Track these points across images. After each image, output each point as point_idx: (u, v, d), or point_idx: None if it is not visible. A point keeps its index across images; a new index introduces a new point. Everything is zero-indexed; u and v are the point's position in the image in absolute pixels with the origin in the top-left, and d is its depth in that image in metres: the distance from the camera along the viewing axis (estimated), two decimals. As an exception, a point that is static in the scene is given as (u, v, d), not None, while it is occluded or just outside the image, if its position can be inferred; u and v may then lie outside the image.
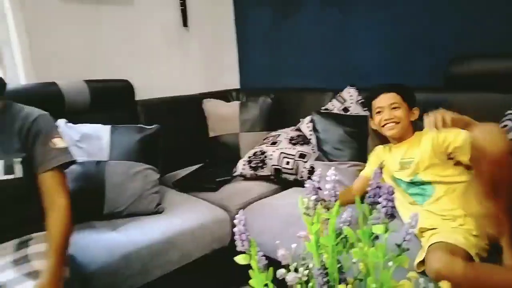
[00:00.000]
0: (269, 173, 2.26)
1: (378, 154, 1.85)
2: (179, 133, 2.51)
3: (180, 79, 2.82)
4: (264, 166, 2.27)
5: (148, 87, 2.56)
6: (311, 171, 2.16)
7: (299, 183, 2.20)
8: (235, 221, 0.84)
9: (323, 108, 2.33)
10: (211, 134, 2.61)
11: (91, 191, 1.78)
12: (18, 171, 1.27)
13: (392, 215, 0.81)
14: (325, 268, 0.85)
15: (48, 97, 2.04)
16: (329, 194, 0.87)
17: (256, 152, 2.32)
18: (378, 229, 0.80)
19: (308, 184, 0.89)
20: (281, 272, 0.88)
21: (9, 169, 1.26)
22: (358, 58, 2.48)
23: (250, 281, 0.85)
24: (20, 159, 1.27)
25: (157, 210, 1.89)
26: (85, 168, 1.81)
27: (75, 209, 1.49)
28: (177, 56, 2.80)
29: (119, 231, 1.72)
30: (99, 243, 1.60)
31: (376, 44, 2.37)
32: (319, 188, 0.89)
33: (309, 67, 2.74)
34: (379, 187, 0.85)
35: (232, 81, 3.17)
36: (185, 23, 2.81)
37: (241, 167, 2.31)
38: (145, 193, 1.88)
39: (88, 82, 2.19)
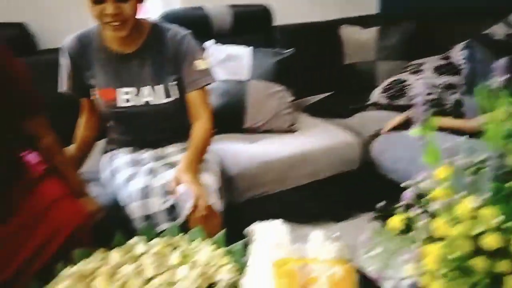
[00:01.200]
0: (407, 103, 2.13)
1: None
2: (314, 59, 2.50)
3: (316, 4, 2.75)
4: (402, 95, 2.14)
5: (286, 12, 2.57)
6: (458, 104, 1.96)
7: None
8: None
9: (482, 33, 2.03)
10: (346, 61, 2.53)
11: (234, 107, 1.96)
12: (174, 93, 1.44)
13: None
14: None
15: (196, 20, 2.23)
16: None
17: (395, 80, 2.19)
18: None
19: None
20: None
21: (167, 93, 1.42)
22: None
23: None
24: (175, 82, 1.42)
25: (290, 129, 2.00)
26: (229, 86, 1.98)
27: (219, 122, 1.67)
28: (315, -20, 2.71)
29: (258, 143, 1.89)
30: (240, 152, 1.80)
31: None
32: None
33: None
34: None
35: (371, 5, 2.96)
36: None
37: (377, 95, 2.22)
38: (280, 112, 1.99)
39: (230, 6, 2.31)
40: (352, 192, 2.01)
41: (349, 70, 2.52)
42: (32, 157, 1.31)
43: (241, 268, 0.89)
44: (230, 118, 1.96)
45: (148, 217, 1.24)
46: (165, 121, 1.49)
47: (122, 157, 1.45)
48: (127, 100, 1.40)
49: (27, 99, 1.21)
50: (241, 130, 1.98)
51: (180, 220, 1.22)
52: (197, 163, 1.36)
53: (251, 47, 2.07)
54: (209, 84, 1.45)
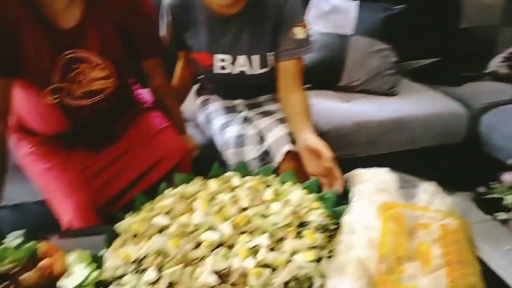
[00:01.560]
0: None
1: None
2: (426, 19, 2.28)
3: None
4: (527, 66, 1.88)
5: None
6: None
7: None
8: None
9: None
10: (463, 24, 2.27)
11: (332, 62, 1.89)
12: (271, 63, 1.35)
13: None
14: None
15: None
16: None
17: (521, 48, 1.93)
18: None
19: None
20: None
21: (264, 63, 1.34)
22: None
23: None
24: (272, 53, 1.33)
25: (390, 92, 1.89)
26: (329, 40, 1.91)
27: (314, 77, 1.62)
28: None
29: (352, 103, 1.82)
30: (334, 109, 1.75)
31: None
32: None
33: None
34: None
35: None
36: None
37: (496, 64, 1.99)
38: (382, 73, 1.87)
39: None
40: (449, 167, 1.86)
41: (465, 34, 2.26)
42: (142, 92, 1.43)
43: (332, 215, 0.89)
44: (327, 74, 1.90)
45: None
46: (259, 88, 1.48)
47: (216, 104, 1.49)
48: (223, 68, 1.36)
49: (150, 39, 1.26)
50: (336, 87, 1.92)
51: (273, 164, 1.25)
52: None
53: (357, 0, 1.95)
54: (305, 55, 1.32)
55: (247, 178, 1.02)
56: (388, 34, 1.90)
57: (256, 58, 1.33)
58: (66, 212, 1.12)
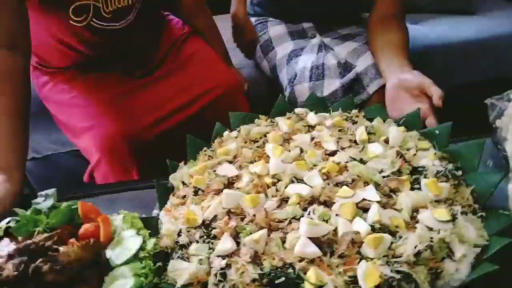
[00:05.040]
0: None
1: None
2: None
3: None
4: None
5: None
6: None
7: None
8: None
9: None
10: None
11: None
12: None
13: None
14: None
15: None
16: None
17: None
18: None
19: None
20: None
21: None
22: None
23: None
24: None
25: (466, 10, 1.57)
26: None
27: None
28: None
29: (422, 24, 1.52)
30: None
31: None
32: None
33: None
34: None
35: None
36: None
37: None
38: (456, -13, 1.55)
39: None
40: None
41: None
42: (178, 20, 1.21)
43: (449, 158, 0.67)
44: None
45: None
46: (333, 5, 1.22)
47: (277, 28, 1.24)
48: None
49: None
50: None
51: (363, 96, 1.04)
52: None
53: None
54: None
55: (325, 114, 0.81)
56: None
57: None
58: (94, 147, 0.96)
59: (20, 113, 0.78)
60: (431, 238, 0.51)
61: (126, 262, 0.55)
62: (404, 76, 0.90)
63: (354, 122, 0.77)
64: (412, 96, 0.87)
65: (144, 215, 0.65)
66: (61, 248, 0.52)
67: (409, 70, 0.92)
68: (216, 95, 1.06)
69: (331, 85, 1.06)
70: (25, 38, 0.85)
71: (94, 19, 0.94)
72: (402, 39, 1.01)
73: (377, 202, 0.56)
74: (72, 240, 0.56)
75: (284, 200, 0.59)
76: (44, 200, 0.61)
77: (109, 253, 0.57)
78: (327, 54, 1.11)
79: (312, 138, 0.72)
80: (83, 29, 0.94)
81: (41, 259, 0.50)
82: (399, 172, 0.63)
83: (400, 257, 0.49)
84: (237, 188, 0.62)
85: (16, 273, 0.48)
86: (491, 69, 1.45)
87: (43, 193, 0.62)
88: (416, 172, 0.63)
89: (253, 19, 1.29)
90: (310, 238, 0.52)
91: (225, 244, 0.53)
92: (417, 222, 0.54)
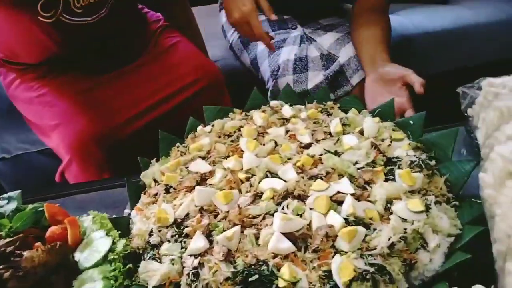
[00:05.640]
0: None
1: None
2: None
3: None
4: None
5: None
6: None
7: None
8: None
9: None
10: None
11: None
12: None
13: None
14: None
15: None
16: None
17: None
18: None
19: None
20: None
21: None
22: None
23: None
24: None
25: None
26: None
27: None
28: None
29: (400, 14, 1.52)
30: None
31: None
32: None
33: None
34: None
35: None
36: None
37: None
38: (431, -24, 1.56)
39: None
40: None
41: None
42: (152, 12, 1.17)
43: (423, 148, 0.67)
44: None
45: (303, 93, 1.04)
46: None
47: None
48: None
49: None
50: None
51: (347, 88, 1.03)
52: None
53: None
54: None
55: (300, 106, 0.79)
56: None
57: None
58: (64, 147, 0.93)
59: None
60: (405, 229, 0.51)
61: (95, 265, 0.53)
62: (384, 70, 0.91)
63: (329, 114, 0.76)
64: (391, 91, 0.87)
65: (115, 215, 0.63)
66: (25, 253, 0.50)
67: (389, 63, 0.93)
68: (200, 87, 1.03)
69: (315, 77, 1.05)
70: None
71: (64, 14, 0.89)
72: (383, 33, 1.01)
73: (351, 194, 0.55)
74: (38, 244, 0.53)
75: (258, 196, 0.57)
76: (7, 203, 0.59)
77: (77, 255, 0.55)
78: (310, 45, 1.10)
79: (287, 131, 0.71)
80: (52, 24, 0.89)
81: (1, 266, 0.47)
82: (373, 163, 0.62)
83: (374, 249, 0.49)
84: (210, 184, 0.61)
85: (-26, 281, 0.46)
86: (467, 58, 1.47)
87: (5, 195, 0.59)
88: (391, 163, 0.63)
89: None
90: (284, 234, 0.51)
91: (198, 242, 0.52)
92: (391, 213, 0.54)
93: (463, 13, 1.51)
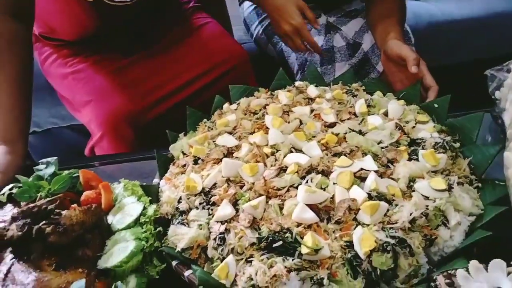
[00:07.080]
0: None
1: None
2: None
3: None
4: None
5: None
6: None
7: None
8: None
9: None
10: None
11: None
12: None
13: None
14: None
15: None
16: None
17: None
18: None
19: None
20: None
21: None
22: None
23: None
24: None
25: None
26: None
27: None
28: None
29: (429, 1, 1.50)
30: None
31: None
32: None
33: None
34: None
35: None
36: None
37: None
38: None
39: None
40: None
41: None
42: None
43: (447, 130, 0.67)
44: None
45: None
46: None
47: None
48: None
49: None
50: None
51: (374, 75, 1.04)
52: None
53: None
54: None
55: (325, 87, 0.80)
56: None
57: None
58: (96, 122, 0.96)
59: (23, 84, 0.78)
60: (427, 206, 0.52)
61: (127, 227, 0.56)
62: (388, 48, 0.87)
63: (354, 95, 0.77)
64: (400, 65, 0.84)
65: (145, 183, 0.66)
66: (64, 212, 0.54)
67: (393, 40, 0.88)
68: (228, 68, 1.05)
69: (342, 67, 1.06)
70: (29, 6, 0.83)
71: None
72: (395, 11, 0.98)
73: (375, 171, 0.57)
74: (75, 205, 0.57)
75: (282, 170, 0.59)
76: (45, 167, 0.62)
77: (110, 218, 0.58)
78: (335, 35, 1.10)
79: (312, 110, 0.72)
80: (93, 4, 0.92)
81: (44, 221, 0.51)
82: (397, 143, 0.63)
83: (395, 223, 0.51)
84: (236, 157, 0.63)
85: (20, 233, 0.49)
86: (494, 46, 1.44)
87: (44, 160, 0.63)
88: (415, 144, 0.63)
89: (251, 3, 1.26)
90: (307, 205, 0.53)
91: (224, 210, 0.54)
92: (414, 191, 0.55)
93: (492, 1, 1.48)
